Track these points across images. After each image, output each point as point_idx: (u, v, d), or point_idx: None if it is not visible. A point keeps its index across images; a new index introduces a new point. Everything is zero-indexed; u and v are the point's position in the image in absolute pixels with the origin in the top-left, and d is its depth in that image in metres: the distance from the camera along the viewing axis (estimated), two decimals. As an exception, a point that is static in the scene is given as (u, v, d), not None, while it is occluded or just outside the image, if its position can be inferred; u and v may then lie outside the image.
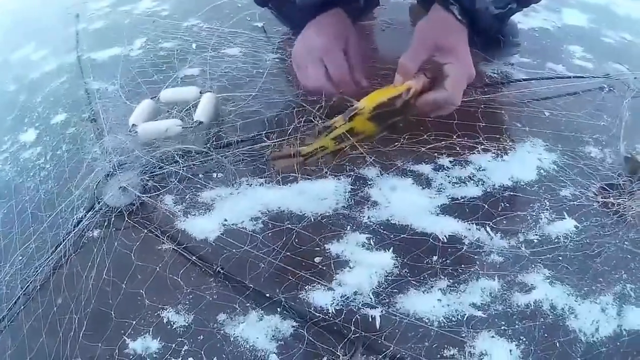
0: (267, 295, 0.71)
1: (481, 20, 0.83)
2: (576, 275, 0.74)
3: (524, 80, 1.08)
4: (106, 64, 1.21)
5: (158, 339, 0.68)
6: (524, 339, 0.67)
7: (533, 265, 0.75)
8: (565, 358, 0.66)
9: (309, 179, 0.82)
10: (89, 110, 1.05)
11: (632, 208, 0.80)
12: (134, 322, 0.70)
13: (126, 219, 0.82)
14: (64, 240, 0.80)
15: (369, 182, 0.82)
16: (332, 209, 0.79)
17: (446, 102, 0.78)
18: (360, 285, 0.71)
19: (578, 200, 0.83)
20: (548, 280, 0.73)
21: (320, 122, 0.83)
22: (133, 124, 0.93)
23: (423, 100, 0.77)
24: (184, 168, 0.86)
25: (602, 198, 0.82)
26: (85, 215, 0.83)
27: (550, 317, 0.70)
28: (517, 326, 0.68)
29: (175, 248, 0.77)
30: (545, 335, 0.68)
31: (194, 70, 1.09)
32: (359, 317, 0.68)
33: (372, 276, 0.72)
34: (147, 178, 0.86)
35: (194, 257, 0.75)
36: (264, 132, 0.93)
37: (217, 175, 0.86)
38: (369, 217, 0.78)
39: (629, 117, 0.96)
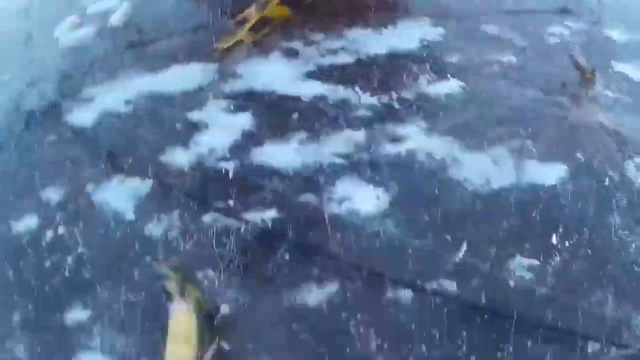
0: (128, 159, 0.71)
1: None
2: (460, 128, 0.70)
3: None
4: None
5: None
6: (395, 186, 0.63)
7: (407, 118, 0.71)
8: (446, 204, 0.62)
9: (180, 63, 0.83)
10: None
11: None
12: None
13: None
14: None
15: (238, 60, 0.82)
16: (198, 85, 0.79)
17: None
18: (216, 143, 0.70)
19: (465, 64, 0.79)
20: (424, 132, 0.70)
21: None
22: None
23: None
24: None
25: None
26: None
27: (427, 165, 0.66)
28: (385, 173, 0.65)
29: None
30: (421, 182, 0.65)
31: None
32: (213, 172, 0.67)
33: (228, 135, 0.71)
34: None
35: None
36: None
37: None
38: (232, 88, 0.77)
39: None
